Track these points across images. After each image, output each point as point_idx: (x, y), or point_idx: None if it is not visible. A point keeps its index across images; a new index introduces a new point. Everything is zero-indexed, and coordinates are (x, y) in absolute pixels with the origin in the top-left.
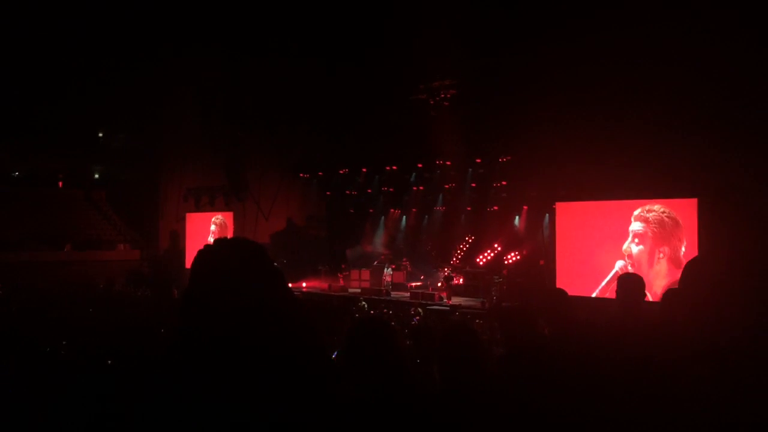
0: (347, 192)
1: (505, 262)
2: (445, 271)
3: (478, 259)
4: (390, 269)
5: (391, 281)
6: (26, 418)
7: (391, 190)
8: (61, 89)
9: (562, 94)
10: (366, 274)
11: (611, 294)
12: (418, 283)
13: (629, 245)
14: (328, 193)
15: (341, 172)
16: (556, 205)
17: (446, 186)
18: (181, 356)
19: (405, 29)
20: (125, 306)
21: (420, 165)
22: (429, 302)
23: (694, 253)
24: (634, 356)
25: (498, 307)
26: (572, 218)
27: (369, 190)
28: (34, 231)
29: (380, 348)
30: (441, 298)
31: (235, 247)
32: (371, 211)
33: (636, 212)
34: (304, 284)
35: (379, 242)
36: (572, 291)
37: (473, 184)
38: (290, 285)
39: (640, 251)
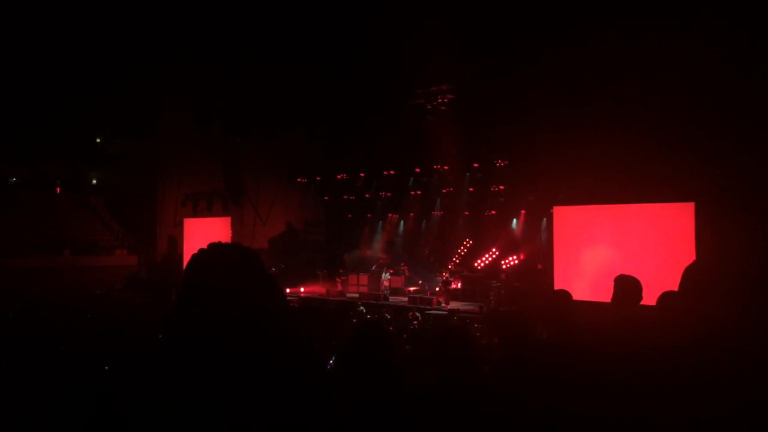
0: (345, 197)
1: (503, 266)
2: (443, 276)
3: (476, 264)
4: (388, 274)
5: (389, 286)
6: (23, 422)
7: (389, 194)
8: (60, 95)
9: (559, 98)
10: (364, 278)
11: (609, 297)
12: (416, 288)
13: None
14: (326, 197)
15: (339, 176)
16: (554, 209)
17: (444, 190)
18: (173, 360)
19: (403, 34)
20: (123, 311)
21: (418, 170)
22: (427, 307)
23: (692, 256)
24: (629, 358)
25: (496, 312)
26: (570, 222)
27: (367, 195)
28: (32, 236)
29: (375, 351)
30: (439, 303)
31: (228, 252)
32: (369, 215)
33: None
34: (302, 289)
35: (377, 247)
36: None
37: (471, 189)
38: (288, 290)
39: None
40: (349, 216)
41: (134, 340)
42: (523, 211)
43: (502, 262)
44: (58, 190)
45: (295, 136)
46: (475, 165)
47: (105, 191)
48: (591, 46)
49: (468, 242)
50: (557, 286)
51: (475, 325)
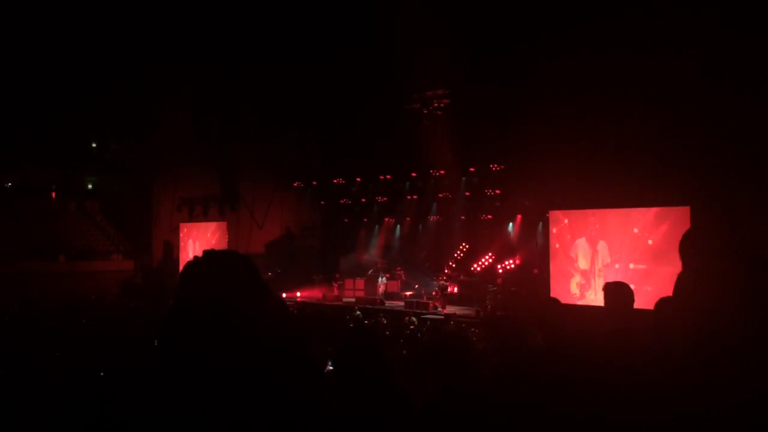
0: (341, 201)
1: (500, 270)
2: (440, 280)
3: (472, 268)
4: (384, 278)
5: (386, 290)
6: (19, 427)
7: (385, 199)
8: (55, 100)
9: (555, 103)
10: (360, 283)
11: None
12: (413, 292)
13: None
14: (322, 202)
15: (335, 181)
16: (550, 214)
17: (440, 195)
18: (168, 366)
19: (398, 38)
20: (118, 317)
21: (414, 174)
22: (423, 311)
23: None
24: (623, 365)
25: (492, 316)
26: (566, 226)
27: (363, 200)
28: (28, 241)
29: (367, 357)
30: (435, 307)
31: (222, 259)
32: (365, 220)
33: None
34: (298, 294)
35: (373, 251)
36: (565, 299)
37: (467, 193)
38: (285, 294)
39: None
40: (346, 220)
41: (129, 346)
42: (519, 216)
43: (499, 266)
44: (53, 195)
45: (291, 140)
46: (471, 169)
47: (100, 196)
48: (586, 52)
49: (464, 246)
50: (553, 290)
51: (472, 330)
